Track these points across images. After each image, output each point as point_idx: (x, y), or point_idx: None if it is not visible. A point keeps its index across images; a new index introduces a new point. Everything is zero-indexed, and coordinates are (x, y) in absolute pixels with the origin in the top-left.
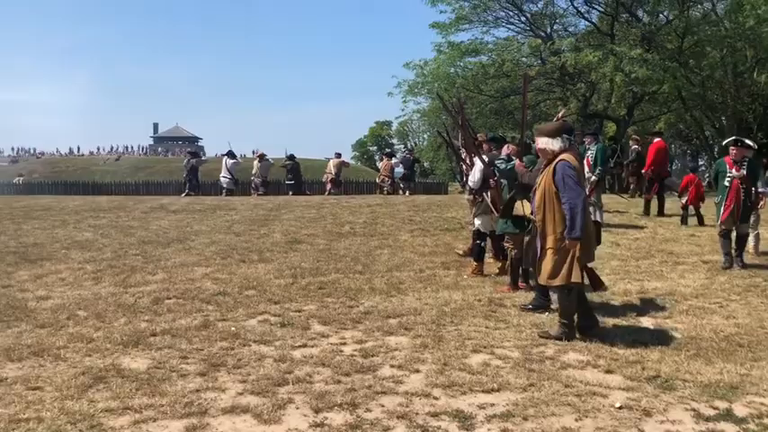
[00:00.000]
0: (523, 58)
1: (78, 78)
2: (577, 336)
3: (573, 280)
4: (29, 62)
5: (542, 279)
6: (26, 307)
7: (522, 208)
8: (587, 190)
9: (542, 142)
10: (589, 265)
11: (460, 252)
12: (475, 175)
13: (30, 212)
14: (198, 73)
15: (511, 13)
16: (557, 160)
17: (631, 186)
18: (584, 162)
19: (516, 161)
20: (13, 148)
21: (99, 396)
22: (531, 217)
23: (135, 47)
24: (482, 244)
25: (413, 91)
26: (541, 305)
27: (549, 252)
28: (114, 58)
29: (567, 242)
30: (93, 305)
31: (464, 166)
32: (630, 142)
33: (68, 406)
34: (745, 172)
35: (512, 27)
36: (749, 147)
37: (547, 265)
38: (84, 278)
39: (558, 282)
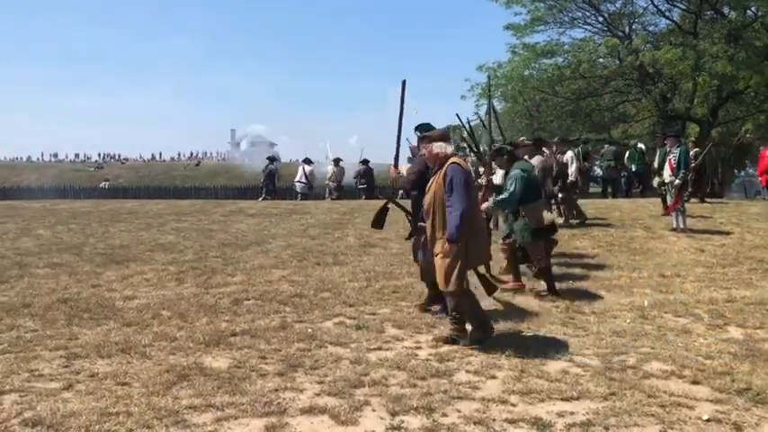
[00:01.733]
0: (600, 59)
1: (161, 86)
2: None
3: (454, 286)
4: (114, 70)
5: (440, 286)
6: (114, 306)
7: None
8: (673, 194)
9: (437, 147)
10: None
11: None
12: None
13: (116, 216)
14: (275, 83)
15: (588, 14)
16: (448, 163)
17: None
18: (667, 164)
19: (397, 168)
20: (99, 155)
21: (183, 393)
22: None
23: (215, 57)
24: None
25: (486, 94)
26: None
27: (439, 258)
28: (195, 67)
29: (446, 245)
30: (177, 305)
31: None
32: (690, 145)
33: (154, 402)
34: None
35: (588, 28)
36: None
37: (439, 271)
38: (168, 279)
39: (450, 288)
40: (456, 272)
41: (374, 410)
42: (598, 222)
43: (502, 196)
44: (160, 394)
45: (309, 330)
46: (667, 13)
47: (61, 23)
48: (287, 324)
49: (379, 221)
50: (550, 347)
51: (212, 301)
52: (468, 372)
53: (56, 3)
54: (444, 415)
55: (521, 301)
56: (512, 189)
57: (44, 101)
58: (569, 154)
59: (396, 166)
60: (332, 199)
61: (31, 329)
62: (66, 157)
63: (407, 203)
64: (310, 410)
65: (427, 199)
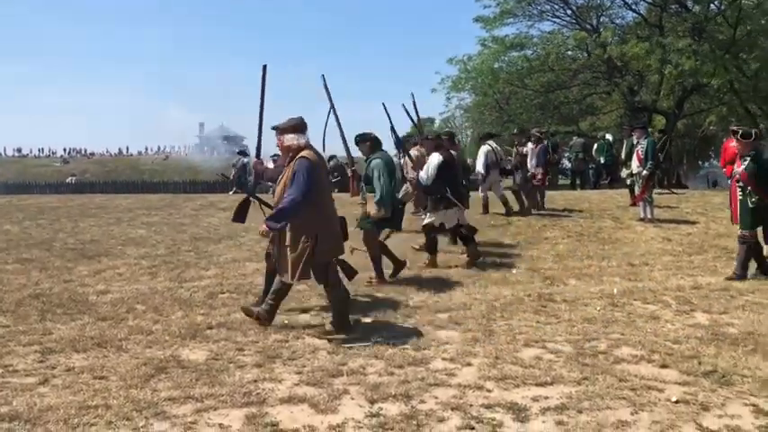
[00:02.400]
0: (569, 52)
1: (129, 80)
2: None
3: (300, 278)
4: (80, 64)
5: (281, 276)
6: (87, 301)
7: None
8: (640, 185)
9: (288, 138)
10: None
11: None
12: (428, 171)
13: (85, 211)
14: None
15: (556, 6)
16: (297, 157)
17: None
18: (635, 156)
19: (260, 159)
20: (65, 149)
21: (161, 386)
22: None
23: (186, 49)
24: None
25: (457, 87)
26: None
27: (288, 250)
28: (165, 59)
29: (264, 227)
30: (151, 299)
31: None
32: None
33: (133, 394)
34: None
35: (557, 21)
36: None
37: (284, 261)
38: (141, 273)
39: (289, 280)
40: (302, 264)
41: (353, 399)
42: (566, 214)
43: (380, 188)
44: (138, 387)
45: (285, 322)
46: (634, 6)
47: (23, 16)
48: None
49: (239, 215)
50: (524, 335)
51: (187, 294)
52: (444, 359)
53: None
54: (422, 402)
55: (493, 290)
56: (380, 181)
57: (5, 96)
58: (530, 145)
59: (258, 156)
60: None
61: (2, 325)
62: (31, 152)
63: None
64: (290, 400)
65: (278, 191)
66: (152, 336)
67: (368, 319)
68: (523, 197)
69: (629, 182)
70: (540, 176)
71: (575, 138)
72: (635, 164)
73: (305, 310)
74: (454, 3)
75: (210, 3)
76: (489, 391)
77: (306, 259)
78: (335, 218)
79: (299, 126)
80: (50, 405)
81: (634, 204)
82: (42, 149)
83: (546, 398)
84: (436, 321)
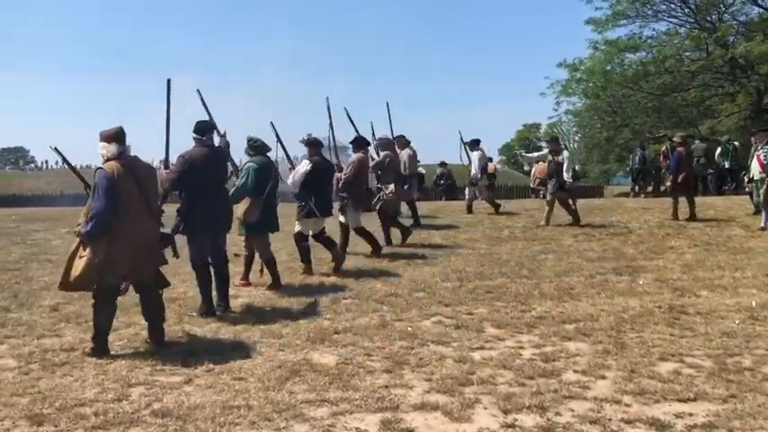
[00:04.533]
0: (686, 53)
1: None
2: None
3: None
4: None
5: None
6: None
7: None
8: (762, 193)
9: (100, 147)
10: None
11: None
12: (295, 176)
13: None
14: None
15: (673, 6)
16: (97, 167)
17: None
18: (755, 161)
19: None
20: None
21: (297, 388)
22: None
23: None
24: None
25: (566, 91)
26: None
27: (77, 258)
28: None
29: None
30: (278, 303)
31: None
32: None
33: (271, 396)
34: None
35: (674, 21)
36: None
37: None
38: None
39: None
40: (87, 273)
41: (486, 408)
42: (685, 222)
43: (235, 187)
44: (276, 389)
45: (409, 329)
46: (761, 2)
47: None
48: (386, 322)
49: None
50: (658, 348)
51: (311, 299)
52: (575, 372)
53: None
54: (558, 414)
55: (620, 301)
56: (243, 180)
57: None
58: (565, 154)
59: (166, 167)
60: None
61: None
62: None
63: None
64: (422, 407)
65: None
66: (283, 339)
67: (491, 329)
68: (571, 204)
69: (748, 188)
70: (681, 179)
71: (696, 142)
72: (756, 169)
73: (427, 317)
74: (561, 4)
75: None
76: (628, 405)
77: (92, 268)
78: (134, 233)
79: (112, 136)
80: (197, 404)
81: (757, 213)
82: None
83: (690, 415)
84: (562, 332)
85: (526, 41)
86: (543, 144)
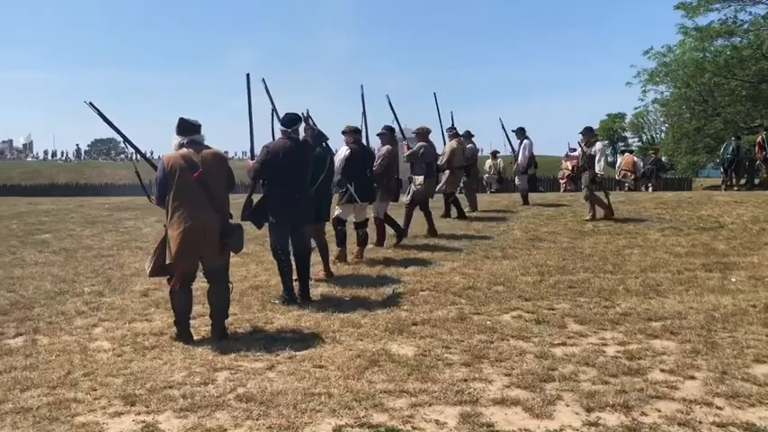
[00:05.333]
0: None
1: None
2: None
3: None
4: None
5: None
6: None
7: None
8: None
9: (173, 138)
10: None
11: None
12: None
13: None
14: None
15: None
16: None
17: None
18: None
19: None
20: None
21: (376, 378)
22: None
23: None
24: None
25: (654, 79)
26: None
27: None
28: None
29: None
30: (357, 294)
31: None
32: None
33: (351, 384)
34: None
35: None
36: None
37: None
38: (344, 270)
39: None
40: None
41: (568, 405)
42: None
43: None
44: (355, 378)
45: (488, 323)
46: None
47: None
48: (465, 315)
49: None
50: (753, 349)
51: (389, 291)
52: (662, 371)
53: None
54: (644, 414)
55: (710, 298)
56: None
57: None
58: (598, 146)
59: (252, 157)
60: (491, 192)
61: (231, 313)
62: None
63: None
64: (502, 401)
65: None
66: (362, 329)
67: (573, 325)
68: (603, 198)
69: None
70: None
71: None
72: None
73: (506, 311)
74: None
75: None
76: (720, 408)
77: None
78: (197, 217)
79: (177, 127)
80: (279, 390)
81: None
82: None
83: None
84: (648, 330)
85: (610, 27)
86: (628, 135)
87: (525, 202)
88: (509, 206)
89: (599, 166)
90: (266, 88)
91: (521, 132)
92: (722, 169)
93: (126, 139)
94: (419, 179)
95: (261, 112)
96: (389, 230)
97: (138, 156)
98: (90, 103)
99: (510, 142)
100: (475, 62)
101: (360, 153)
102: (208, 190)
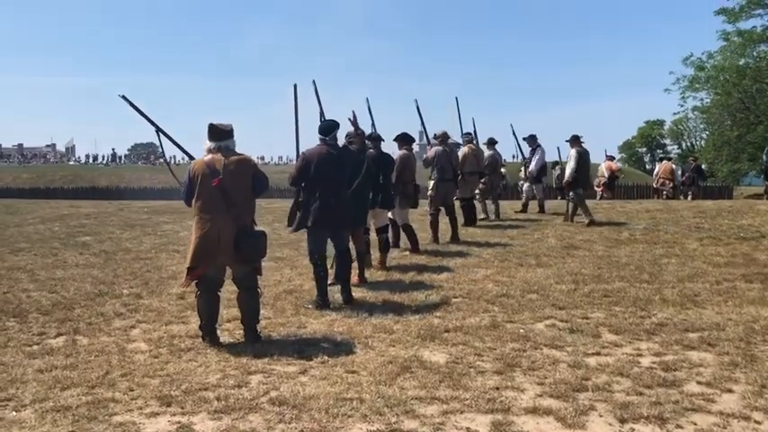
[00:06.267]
0: None
1: None
2: None
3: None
4: None
5: None
6: (334, 299)
7: None
8: None
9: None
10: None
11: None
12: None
13: None
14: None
15: None
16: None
17: None
18: None
19: None
20: None
21: (407, 384)
22: None
23: None
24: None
25: (693, 86)
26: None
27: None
28: None
29: None
30: (389, 299)
31: None
32: None
33: (383, 390)
34: None
35: None
36: None
37: None
38: (378, 276)
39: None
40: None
41: (601, 416)
42: None
43: None
44: (387, 384)
45: (521, 331)
46: None
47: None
48: (497, 323)
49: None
50: None
51: (422, 297)
52: (699, 383)
53: None
54: (679, 426)
55: (750, 310)
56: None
57: None
58: (572, 152)
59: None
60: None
61: (265, 317)
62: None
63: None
64: (534, 411)
65: None
66: (394, 335)
67: (608, 335)
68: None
69: None
70: None
71: None
72: None
73: (540, 320)
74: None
75: None
76: (758, 422)
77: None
78: (214, 224)
79: (209, 131)
80: (312, 394)
81: None
82: None
83: None
84: (685, 341)
85: (649, 35)
86: (667, 142)
87: (541, 209)
88: (544, 214)
89: (570, 171)
90: (316, 91)
91: (532, 140)
92: (764, 178)
93: (159, 129)
94: (430, 184)
95: (307, 117)
96: (404, 242)
97: (174, 144)
98: (123, 96)
99: (521, 149)
100: (521, 64)
101: (379, 160)
102: (227, 197)
